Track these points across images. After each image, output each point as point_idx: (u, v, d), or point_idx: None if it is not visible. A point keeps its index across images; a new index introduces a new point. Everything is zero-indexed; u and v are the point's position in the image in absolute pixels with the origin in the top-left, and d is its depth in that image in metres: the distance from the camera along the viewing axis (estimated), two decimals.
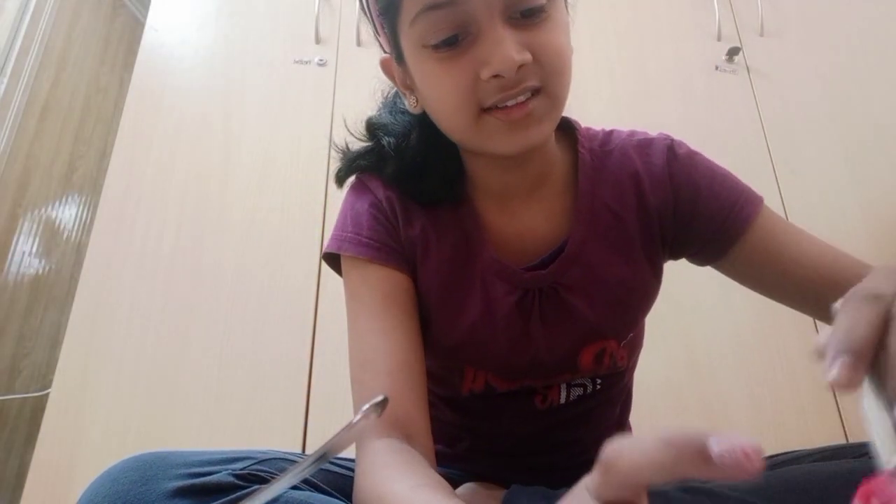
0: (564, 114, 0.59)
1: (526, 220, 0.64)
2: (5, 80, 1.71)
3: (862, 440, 0.48)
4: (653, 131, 0.69)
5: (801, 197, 1.49)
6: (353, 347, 0.60)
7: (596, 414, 0.71)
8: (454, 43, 0.52)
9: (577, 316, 0.62)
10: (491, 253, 0.63)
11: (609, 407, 0.72)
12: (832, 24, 1.68)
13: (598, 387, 0.68)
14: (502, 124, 0.53)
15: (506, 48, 0.50)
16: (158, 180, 1.35)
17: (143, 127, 1.40)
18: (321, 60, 1.50)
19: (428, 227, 0.64)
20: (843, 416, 1.27)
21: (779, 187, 1.50)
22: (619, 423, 0.77)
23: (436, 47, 0.53)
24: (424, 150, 0.64)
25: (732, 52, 1.60)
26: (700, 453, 0.22)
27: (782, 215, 1.50)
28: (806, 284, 0.60)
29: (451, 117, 0.57)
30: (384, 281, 0.62)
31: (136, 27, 2.26)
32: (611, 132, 0.69)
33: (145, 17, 1.55)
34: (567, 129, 0.68)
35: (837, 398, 1.29)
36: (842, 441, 1.26)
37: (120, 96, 2.10)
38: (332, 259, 0.66)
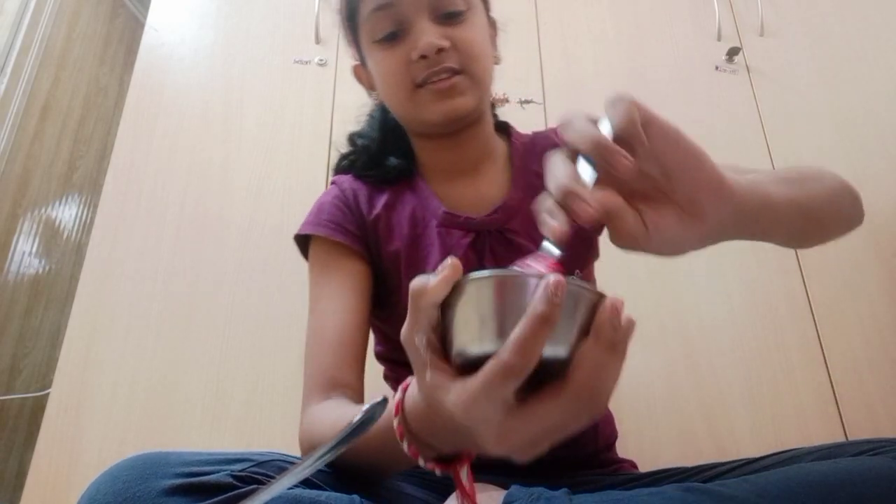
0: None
1: (472, 189, 0.78)
2: (5, 80, 1.71)
3: (861, 438, 0.48)
4: None
5: None
6: (310, 321, 0.72)
7: None
8: (394, 37, 0.71)
9: (525, 252, 0.66)
10: (444, 210, 0.76)
11: None
12: (832, 24, 1.68)
13: None
14: (432, 94, 0.70)
15: (428, 35, 0.69)
16: (158, 180, 1.35)
17: (143, 127, 1.40)
18: (321, 60, 1.50)
19: (389, 202, 0.78)
20: (842, 415, 1.27)
21: None
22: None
23: (380, 41, 0.72)
24: (382, 138, 0.81)
25: (732, 52, 1.60)
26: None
27: None
28: None
29: (394, 94, 0.74)
30: (343, 267, 0.74)
31: (136, 27, 2.26)
32: (536, 132, 0.86)
33: (145, 17, 1.55)
34: (503, 129, 0.85)
35: (837, 396, 1.29)
36: (841, 439, 1.26)
37: (120, 96, 2.10)
38: (304, 248, 0.79)
